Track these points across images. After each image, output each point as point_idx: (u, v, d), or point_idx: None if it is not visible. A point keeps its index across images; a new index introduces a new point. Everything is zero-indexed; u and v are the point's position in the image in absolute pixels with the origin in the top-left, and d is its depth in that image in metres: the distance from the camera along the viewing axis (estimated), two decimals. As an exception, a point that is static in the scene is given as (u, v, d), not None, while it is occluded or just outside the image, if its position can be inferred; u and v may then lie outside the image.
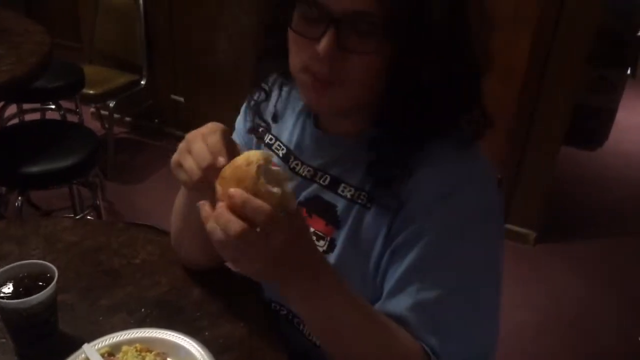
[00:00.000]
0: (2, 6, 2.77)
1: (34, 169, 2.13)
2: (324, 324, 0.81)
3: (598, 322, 2.60)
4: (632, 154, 4.00)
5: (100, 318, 1.00)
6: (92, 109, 3.66)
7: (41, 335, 0.92)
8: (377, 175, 0.88)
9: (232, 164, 0.72)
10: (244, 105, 1.09)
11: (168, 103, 3.56)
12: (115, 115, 3.45)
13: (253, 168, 0.69)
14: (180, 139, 0.85)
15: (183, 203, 1.00)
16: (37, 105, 3.16)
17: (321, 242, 0.94)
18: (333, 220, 0.93)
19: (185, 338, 0.92)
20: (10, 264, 0.92)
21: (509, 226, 2.97)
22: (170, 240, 1.11)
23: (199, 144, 0.81)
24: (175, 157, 0.84)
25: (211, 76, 3.30)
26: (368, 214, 0.89)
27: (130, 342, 0.91)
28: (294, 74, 0.87)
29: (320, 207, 0.94)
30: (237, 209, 0.67)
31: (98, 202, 2.54)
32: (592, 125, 3.92)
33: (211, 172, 0.77)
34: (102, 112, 3.54)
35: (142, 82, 3.41)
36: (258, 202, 0.67)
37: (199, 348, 0.90)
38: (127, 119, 3.73)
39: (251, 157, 0.71)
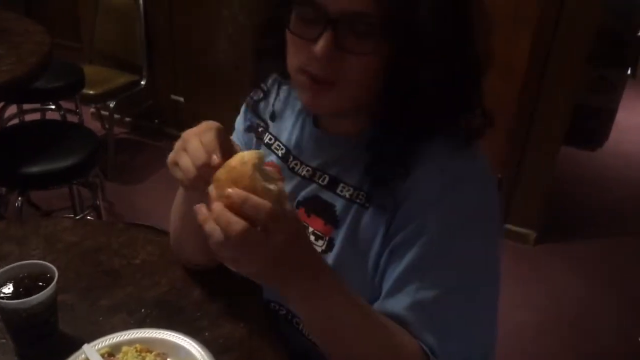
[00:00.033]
0: (2, 6, 2.77)
1: (34, 169, 2.13)
2: (323, 324, 0.81)
3: (598, 322, 2.60)
4: (632, 154, 4.00)
5: (100, 318, 1.00)
6: (92, 109, 3.66)
7: (41, 336, 0.92)
8: (375, 175, 0.88)
9: (225, 166, 0.71)
10: (244, 105, 1.09)
11: (168, 103, 3.56)
12: (115, 116, 3.45)
13: (248, 167, 0.70)
14: (180, 139, 0.85)
15: (181, 202, 1.00)
16: (37, 106, 3.16)
17: (320, 242, 0.94)
18: (332, 219, 0.93)
19: (185, 338, 0.92)
20: (10, 264, 0.92)
21: (509, 226, 2.98)
22: (170, 240, 1.11)
23: (194, 143, 0.81)
24: (171, 155, 0.84)
25: (211, 76, 3.30)
26: (366, 214, 0.90)
27: (130, 342, 0.91)
28: (292, 75, 0.88)
29: (319, 207, 0.95)
30: (236, 209, 0.67)
31: (98, 203, 2.54)
32: (592, 125, 3.92)
33: (206, 170, 0.77)
34: (102, 112, 3.54)
35: (142, 82, 3.41)
36: (258, 200, 0.67)
37: (199, 348, 0.90)
38: (127, 119, 3.73)
39: (245, 157, 0.71)
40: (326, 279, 0.77)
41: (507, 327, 2.39)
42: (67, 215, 2.55)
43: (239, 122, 1.11)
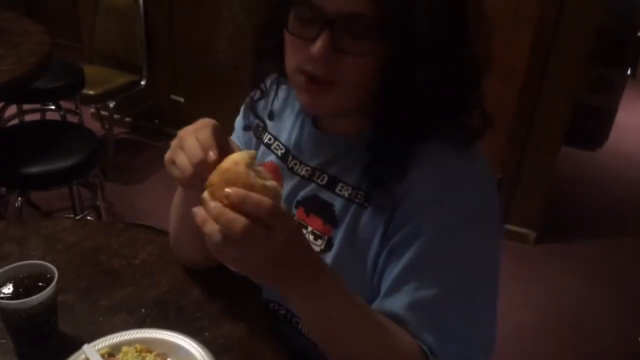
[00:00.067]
0: (2, 6, 2.77)
1: (34, 169, 2.13)
2: (323, 324, 0.81)
3: (598, 322, 2.60)
4: (632, 154, 4.00)
5: (100, 318, 1.00)
6: (92, 110, 3.66)
7: (41, 336, 0.92)
8: (373, 175, 0.88)
9: (218, 169, 0.71)
10: (243, 105, 1.09)
11: (168, 103, 3.56)
12: (115, 116, 3.45)
13: (242, 167, 0.70)
14: (180, 139, 0.85)
15: (179, 203, 1.01)
16: (37, 106, 3.16)
17: (319, 241, 0.94)
18: (330, 219, 0.93)
19: (185, 338, 0.92)
20: (10, 264, 0.92)
21: (509, 226, 2.98)
22: (169, 240, 1.11)
23: (190, 140, 0.81)
24: (168, 154, 0.85)
25: (211, 76, 3.30)
26: (365, 213, 0.90)
27: (130, 342, 0.91)
28: (290, 75, 0.88)
29: (318, 207, 0.95)
30: (235, 209, 0.67)
31: (98, 203, 2.54)
32: (592, 125, 3.92)
33: (203, 167, 0.77)
34: (102, 112, 3.54)
35: (142, 82, 3.42)
36: (258, 196, 0.67)
37: (199, 348, 0.90)
38: (127, 119, 3.73)
39: (237, 158, 0.71)
40: (326, 279, 0.77)
41: (507, 327, 2.39)
42: (67, 216, 2.55)
43: (239, 122, 1.11)
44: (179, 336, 0.92)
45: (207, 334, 0.97)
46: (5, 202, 2.41)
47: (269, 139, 1.05)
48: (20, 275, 0.92)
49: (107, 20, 3.42)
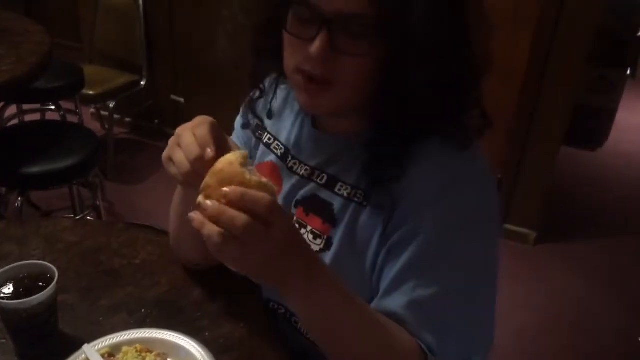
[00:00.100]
0: (2, 6, 2.77)
1: (34, 169, 2.13)
2: (323, 324, 0.81)
3: (598, 322, 2.60)
4: (632, 154, 4.01)
5: (101, 318, 1.00)
6: (92, 110, 3.66)
7: (41, 336, 0.92)
8: (372, 174, 0.88)
9: (212, 171, 0.71)
10: (243, 104, 1.09)
11: (168, 103, 3.56)
12: (115, 116, 3.45)
13: (236, 166, 0.70)
14: (180, 139, 0.85)
15: (179, 203, 1.01)
16: (37, 106, 3.17)
17: (318, 241, 0.94)
18: (330, 218, 0.93)
19: (185, 338, 0.92)
20: (10, 264, 0.92)
21: (509, 226, 2.98)
22: (170, 240, 1.11)
23: (187, 137, 0.82)
24: (166, 152, 0.85)
25: (211, 76, 3.30)
26: (364, 212, 0.90)
27: (130, 342, 0.91)
28: (288, 75, 0.88)
29: (317, 206, 0.95)
30: (234, 206, 0.67)
31: (98, 203, 2.54)
32: (592, 125, 3.92)
33: (200, 164, 0.77)
34: (102, 112, 3.54)
35: (142, 83, 3.42)
36: (257, 193, 0.68)
37: (199, 348, 0.90)
38: (127, 119, 3.73)
39: (230, 158, 0.71)
40: (325, 278, 0.77)
41: (507, 327, 2.39)
42: (67, 216, 2.55)
43: (238, 122, 1.11)
44: (179, 336, 0.92)
45: (207, 333, 0.97)
46: (5, 202, 2.41)
47: (269, 139, 1.05)
48: (21, 275, 0.92)
49: (107, 20, 3.42)
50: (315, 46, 0.79)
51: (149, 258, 1.15)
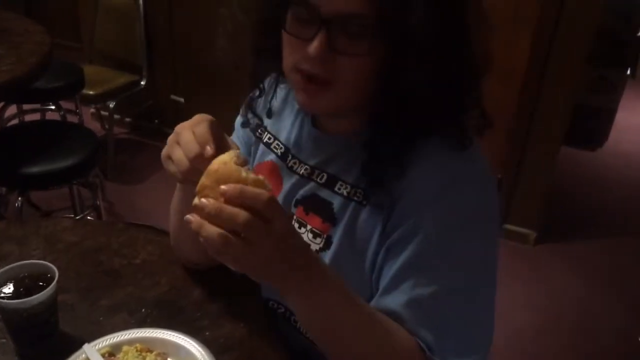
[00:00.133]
0: (2, 6, 2.77)
1: (34, 169, 2.13)
2: (323, 324, 0.81)
3: (598, 322, 2.60)
4: (632, 154, 4.01)
5: (101, 318, 1.00)
6: (92, 110, 3.66)
7: (42, 336, 0.92)
8: (371, 174, 0.88)
9: (207, 172, 0.71)
10: (243, 104, 1.09)
11: (168, 103, 3.56)
12: (115, 116, 3.45)
13: (231, 165, 0.70)
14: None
15: (179, 200, 1.01)
16: (37, 106, 3.16)
17: (317, 240, 0.94)
18: (329, 217, 0.93)
19: (185, 338, 0.92)
20: (10, 264, 0.92)
21: (509, 226, 2.98)
22: (170, 240, 1.12)
23: (186, 135, 0.82)
24: (164, 150, 0.85)
25: (211, 76, 3.30)
26: (364, 211, 0.90)
27: (130, 342, 0.91)
28: (287, 74, 0.88)
29: (317, 205, 0.95)
30: (234, 203, 0.67)
31: (98, 203, 2.54)
32: (592, 125, 3.92)
33: (199, 162, 0.77)
34: (102, 112, 3.54)
35: (142, 83, 3.42)
36: (255, 189, 0.68)
37: (199, 348, 0.90)
38: (127, 119, 3.73)
39: (224, 158, 0.72)
40: (325, 279, 0.77)
41: (507, 327, 2.39)
42: (67, 215, 2.55)
43: (238, 121, 1.11)
44: (180, 336, 0.92)
45: (207, 333, 0.97)
46: (5, 202, 2.41)
47: (269, 138, 1.05)
48: (21, 275, 0.92)
49: (107, 20, 3.42)
50: (314, 46, 0.79)
51: (149, 258, 1.15)
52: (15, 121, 3.10)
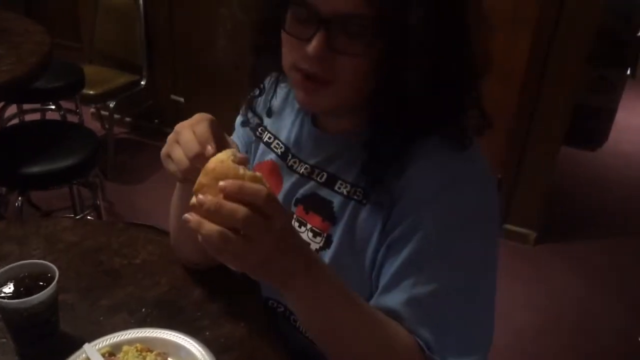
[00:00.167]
0: (2, 6, 2.77)
1: (34, 169, 2.13)
2: (323, 325, 0.81)
3: (598, 322, 2.60)
4: (632, 154, 4.01)
5: (101, 318, 1.00)
6: (92, 110, 3.66)
7: (42, 335, 0.92)
8: (371, 174, 0.88)
9: (204, 170, 0.71)
10: (243, 104, 1.10)
11: (168, 103, 3.56)
12: (115, 116, 3.45)
13: (228, 163, 0.70)
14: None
15: (178, 199, 1.01)
16: (37, 106, 3.16)
17: (317, 239, 0.94)
18: (329, 216, 0.93)
19: (186, 338, 0.92)
20: (10, 264, 0.92)
21: (509, 226, 2.98)
22: (170, 240, 1.12)
23: (187, 134, 0.82)
24: (164, 149, 0.85)
25: (211, 76, 3.30)
26: (364, 210, 0.90)
27: (130, 342, 0.91)
28: (286, 72, 0.88)
29: (317, 204, 0.95)
30: (233, 199, 0.66)
31: (98, 203, 2.54)
32: (592, 125, 3.92)
33: (199, 161, 0.77)
34: (102, 112, 3.54)
35: (142, 82, 3.42)
36: (254, 185, 0.67)
37: (199, 348, 0.90)
38: (127, 119, 3.73)
39: (221, 156, 0.72)
40: (325, 279, 0.77)
41: (507, 327, 2.39)
42: (67, 215, 2.55)
43: (239, 120, 1.11)
44: (180, 335, 0.92)
45: (207, 333, 0.98)
46: (5, 202, 2.41)
47: (269, 138, 1.05)
48: (21, 275, 0.92)
49: (107, 20, 3.42)
50: (312, 46, 0.79)
51: (149, 258, 1.15)
52: (15, 121, 3.11)
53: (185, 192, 0.94)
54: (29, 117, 3.14)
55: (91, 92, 3.14)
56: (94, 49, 3.50)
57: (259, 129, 1.07)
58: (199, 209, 0.67)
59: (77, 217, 2.50)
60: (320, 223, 0.94)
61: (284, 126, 1.03)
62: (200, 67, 3.35)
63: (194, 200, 0.69)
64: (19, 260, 0.93)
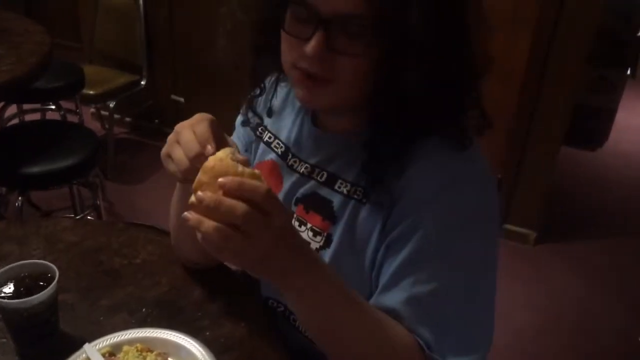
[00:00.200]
0: (2, 6, 2.77)
1: (34, 169, 2.13)
2: (322, 325, 0.81)
3: (598, 322, 2.60)
4: (631, 154, 4.01)
5: (101, 318, 1.00)
6: (92, 110, 3.66)
7: (42, 335, 0.92)
8: (371, 174, 0.88)
9: (203, 169, 0.71)
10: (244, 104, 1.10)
11: (168, 103, 3.56)
12: (116, 116, 3.45)
13: (227, 161, 0.70)
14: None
15: (178, 199, 1.01)
16: (37, 106, 3.16)
17: (318, 238, 0.94)
18: (329, 215, 0.93)
19: (186, 338, 0.92)
20: (10, 264, 0.92)
21: (509, 226, 2.98)
22: (170, 240, 1.12)
23: (187, 134, 0.82)
24: (164, 149, 0.85)
25: (211, 76, 3.30)
26: (364, 209, 0.90)
27: (131, 342, 0.91)
28: (286, 71, 0.88)
29: (317, 204, 0.95)
30: (232, 195, 0.66)
31: (98, 202, 2.54)
32: (592, 125, 3.92)
33: (200, 161, 0.76)
34: (102, 112, 3.54)
35: (142, 82, 3.42)
36: (254, 182, 0.67)
37: (200, 348, 0.90)
38: (127, 119, 3.73)
39: (220, 155, 0.72)
40: (325, 278, 0.77)
41: (507, 327, 2.39)
42: (67, 215, 2.55)
43: (239, 120, 1.11)
44: (180, 335, 0.92)
45: (207, 333, 0.98)
46: (5, 202, 2.41)
47: (269, 137, 1.05)
48: (21, 275, 0.92)
49: (107, 20, 3.42)
50: (311, 45, 0.79)
51: (149, 258, 1.15)
52: (15, 121, 3.10)
53: (185, 192, 0.94)
54: (29, 117, 3.14)
55: (91, 92, 3.14)
56: (94, 49, 3.50)
57: (259, 129, 1.07)
58: (198, 206, 0.68)
59: (77, 217, 2.50)
60: (321, 222, 0.94)
61: (284, 126, 1.03)
62: (200, 67, 3.35)
63: (193, 198, 0.69)
64: (19, 260, 0.93)
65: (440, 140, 0.86)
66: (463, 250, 0.84)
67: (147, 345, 0.91)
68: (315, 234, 0.94)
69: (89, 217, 2.55)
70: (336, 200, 0.93)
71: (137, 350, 0.89)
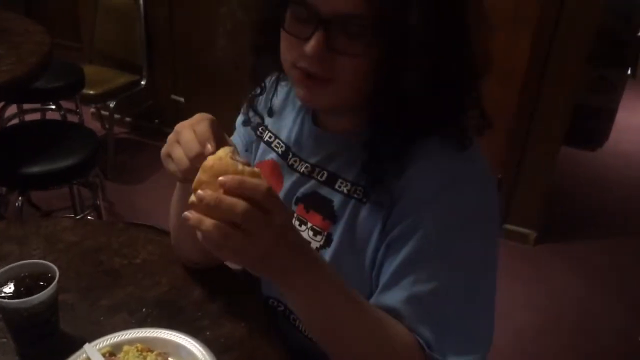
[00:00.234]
0: (2, 6, 2.77)
1: (34, 169, 2.13)
2: (323, 324, 0.81)
3: (598, 322, 2.60)
4: (631, 154, 4.01)
5: (101, 318, 1.00)
6: (92, 109, 3.66)
7: (42, 335, 0.92)
8: (371, 174, 0.88)
9: (203, 168, 0.71)
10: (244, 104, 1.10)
11: (168, 103, 3.56)
12: (116, 116, 3.45)
13: (227, 160, 0.70)
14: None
15: (178, 199, 1.01)
16: (37, 106, 3.16)
17: (318, 237, 0.94)
18: (330, 215, 0.93)
19: (186, 338, 0.92)
20: (11, 264, 0.92)
21: (509, 226, 2.98)
22: (170, 240, 1.12)
23: (187, 134, 0.82)
24: (164, 148, 0.85)
25: (211, 76, 3.30)
26: (364, 209, 0.90)
27: (131, 341, 0.91)
28: (286, 70, 0.89)
29: (317, 203, 0.95)
30: (233, 194, 0.66)
31: (98, 202, 2.54)
32: (592, 125, 3.92)
33: (200, 160, 0.76)
34: (102, 112, 3.54)
35: (142, 82, 3.42)
36: (254, 180, 0.67)
37: (200, 348, 0.90)
38: (127, 119, 3.73)
39: (219, 154, 0.72)
40: (325, 278, 0.77)
41: (507, 327, 2.39)
42: (67, 215, 2.55)
43: (239, 120, 1.11)
44: (180, 335, 0.92)
45: (208, 333, 0.98)
46: (5, 202, 2.41)
47: (270, 137, 1.05)
48: (22, 275, 0.92)
49: (107, 20, 3.42)
50: (311, 45, 0.79)
51: (149, 258, 1.15)
52: (15, 121, 3.10)
53: (185, 191, 0.94)
54: (29, 117, 3.14)
55: (91, 92, 3.14)
56: (94, 49, 3.50)
57: (260, 129, 1.07)
58: (198, 205, 0.67)
59: (77, 217, 2.50)
60: (321, 222, 0.94)
61: (285, 125, 1.03)
62: (200, 67, 3.35)
63: (193, 198, 0.69)
64: (19, 260, 0.93)
65: (441, 140, 0.86)
66: (463, 250, 0.84)
67: (148, 345, 0.91)
68: (316, 233, 0.94)
69: (89, 217, 2.55)
70: (336, 199, 0.93)
71: (138, 350, 0.89)
